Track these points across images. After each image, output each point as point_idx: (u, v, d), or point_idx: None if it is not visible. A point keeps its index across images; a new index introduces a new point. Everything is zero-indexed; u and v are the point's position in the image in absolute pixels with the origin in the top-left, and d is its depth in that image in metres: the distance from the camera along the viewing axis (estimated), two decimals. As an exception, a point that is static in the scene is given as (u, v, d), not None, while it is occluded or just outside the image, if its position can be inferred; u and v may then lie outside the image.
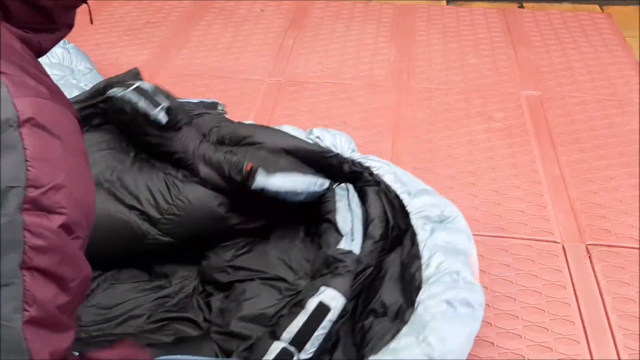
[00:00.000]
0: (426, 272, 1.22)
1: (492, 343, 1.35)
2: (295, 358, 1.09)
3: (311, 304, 1.15)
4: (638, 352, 1.33)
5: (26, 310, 0.55)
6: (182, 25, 2.65)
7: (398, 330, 1.13)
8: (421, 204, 1.39)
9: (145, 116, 1.38)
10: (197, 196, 1.39)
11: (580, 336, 1.37)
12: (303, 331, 1.12)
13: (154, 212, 1.36)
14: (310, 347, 1.11)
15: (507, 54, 2.42)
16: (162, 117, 1.38)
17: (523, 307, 1.44)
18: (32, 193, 0.57)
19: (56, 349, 0.57)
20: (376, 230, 1.36)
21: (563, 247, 1.59)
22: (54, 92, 0.65)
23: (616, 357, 1.33)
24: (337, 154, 1.47)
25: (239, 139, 1.48)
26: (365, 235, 1.35)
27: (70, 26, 0.78)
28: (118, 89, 1.42)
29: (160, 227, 1.36)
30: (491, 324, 1.39)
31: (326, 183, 1.41)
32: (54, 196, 0.59)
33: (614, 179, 1.80)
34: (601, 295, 1.46)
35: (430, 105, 2.14)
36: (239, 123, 1.59)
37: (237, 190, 1.37)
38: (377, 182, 1.43)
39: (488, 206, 1.71)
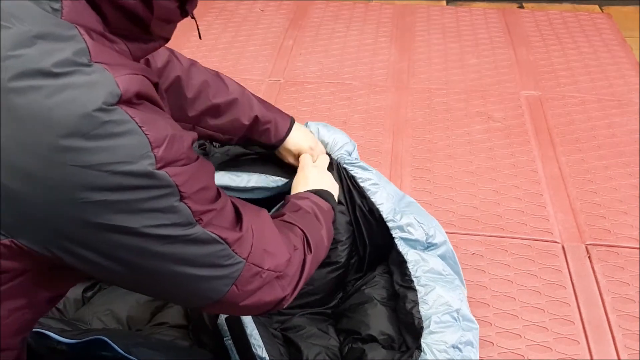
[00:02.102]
0: (424, 309, 1.18)
1: (491, 343, 1.36)
2: None
3: (224, 328, 1.12)
4: (638, 351, 1.34)
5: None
6: (182, 25, 2.63)
7: None
8: (408, 227, 1.29)
9: None
10: None
11: (579, 336, 1.37)
12: (241, 350, 1.10)
13: None
14: (260, 350, 1.08)
15: (506, 54, 2.43)
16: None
17: (523, 306, 1.44)
18: (161, 153, 0.65)
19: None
20: (340, 257, 1.30)
21: (563, 247, 1.59)
22: (140, 67, 0.69)
23: (616, 357, 1.33)
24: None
25: None
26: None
27: (166, 39, 0.79)
28: None
29: None
30: (491, 324, 1.39)
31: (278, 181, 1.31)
32: (175, 146, 0.67)
33: (613, 178, 1.80)
34: (601, 295, 1.46)
35: (430, 105, 2.14)
36: None
37: None
38: (356, 198, 1.31)
39: (488, 206, 1.72)
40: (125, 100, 0.64)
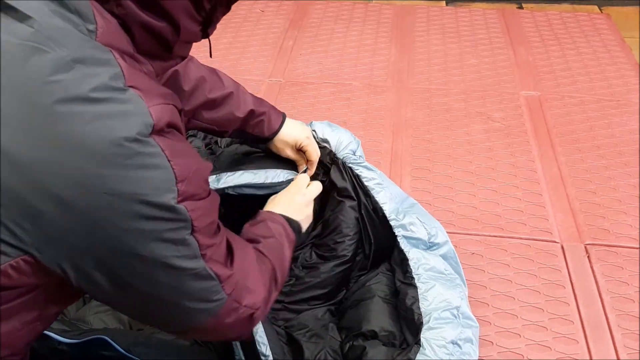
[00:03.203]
0: (424, 305, 1.20)
1: (491, 342, 1.36)
2: None
3: None
4: (637, 351, 1.34)
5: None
6: (182, 26, 2.65)
7: None
8: (410, 226, 1.32)
9: None
10: None
11: (579, 335, 1.38)
12: (245, 345, 1.11)
13: None
14: (264, 348, 1.09)
15: (506, 55, 2.43)
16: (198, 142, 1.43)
17: (522, 306, 1.44)
18: (183, 187, 0.68)
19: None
20: (346, 251, 1.33)
21: (562, 247, 1.60)
22: (168, 93, 0.72)
23: (615, 357, 1.34)
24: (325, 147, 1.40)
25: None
26: (330, 249, 1.33)
27: (184, 58, 0.83)
28: None
29: None
30: (490, 323, 1.40)
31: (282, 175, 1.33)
32: (195, 181, 0.70)
33: (612, 178, 1.80)
34: (600, 294, 1.47)
35: (430, 105, 2.14)
36: None
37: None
38: (361, 196, 1.34)
39: (487, 206, 1.72)
40: (157, 131, 0.66)
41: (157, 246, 0.69)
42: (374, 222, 1.34)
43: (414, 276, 1.25)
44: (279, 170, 1.32)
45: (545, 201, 1.73)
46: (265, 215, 1.08)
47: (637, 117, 2.06)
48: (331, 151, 1.39)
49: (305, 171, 1.34)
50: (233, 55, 2.44)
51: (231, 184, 1.28)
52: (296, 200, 1.16)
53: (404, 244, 1.30)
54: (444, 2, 2.89)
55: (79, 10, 0.67)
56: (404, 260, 1.29)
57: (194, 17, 0.77)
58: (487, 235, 1.63)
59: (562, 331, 1.38)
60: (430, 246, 1.33)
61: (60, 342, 1.03)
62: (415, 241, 1.32)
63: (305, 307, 1.32)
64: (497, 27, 2.63)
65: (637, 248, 1.58)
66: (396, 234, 1.32)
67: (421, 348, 1.13)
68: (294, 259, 1.34)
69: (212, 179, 1.27)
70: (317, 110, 2.12)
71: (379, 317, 1.25)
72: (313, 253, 1.37)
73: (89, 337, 1.02)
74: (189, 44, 0.83)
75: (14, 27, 0.63)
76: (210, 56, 1.00)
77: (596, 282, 1.50)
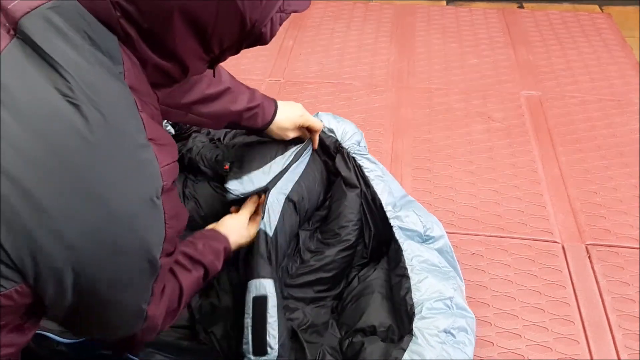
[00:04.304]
0: (417, 296, 1.21)
1: (491, 343, 1.36)
2: None
3: (249, 305, 1.14)
4: (638, 352, 1.34)
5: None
6: (182, 25, 2.65)
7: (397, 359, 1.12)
8: (406, 218, 1.35)
9: None
10: (204, 193, 1.44)
11: (579, 336, 1.37)
12: (256, 332, 1.12)
13: None
14: (273, 341, 1.11)
15: (506, 54, 2.43)
16: (170, 129, 1.44)
17: (523, 306, 1.44)
18: (166, 246, 0.75)
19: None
20: (351, 235, 1.36)
21: (563, 247, 1.59)
22: (172, 144, 0.77)
23: (616, 357, 1.33)
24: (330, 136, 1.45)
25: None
26: (335, 235, 1.36)
27: (180, 81, 0.85)
28: None
29: None
30: (491, 324, 1.39)
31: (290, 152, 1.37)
32: (173, 240, 0.78)
33: (613, 178, 1.80)
34: (601, 295, 1.46)
35: (430, 105, 2.14)
36: None
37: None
38: (362, 186, 1.39)
39: (488, 206, 1.72)
40: (165, 191, 0.72)
41: (125, 290, 0.75)
42: (373, 211, 1.37)
43: (407, 267, 1.26)
44: (278, 158, 1.34)
45: (546, 201, 1.73)
46: (211, 233, 1.19)
47: (638, 117, 2.05)
48: (337, 140, 1.43)
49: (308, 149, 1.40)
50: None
51: (248, 190, 1.30)
52: (243, 225, 1.25)
53: (399, 235, 1.32)
54: (445, 1, 2.89)
55: (110, 50, 0.69)
56: (398, 251, 1.30)
57: (202, 59, 0.80)
58: (487, 236, 1.63)
59: (563, 332, 1.38)
60: (425, 239, 1.35)
61: (59, 343, 1.02)
62: (411, 233, 1.33)
63: (310, 295, 1.32)
64: (497, 26, 2.63)
65: (637, 248, 1.58)
66: (392, 224, 1.33)
67: (414, 337, 1.13)
68: (300, 241, 1.37)
69: (235, 185, 1.30)
70: (317, 109, 2.09)
71: (378, 313, 1.26)
72: (317, 238, 1.39)
73: (86, 337, 1.02)
74: (204, 65, 0.85)
75: (50, 77, 0.66)
76: (214, 76, 1.06)
77: (597, 283, 1.49)
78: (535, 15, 2.72)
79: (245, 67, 2.35)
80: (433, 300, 1.19)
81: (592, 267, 1.54)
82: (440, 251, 1.34)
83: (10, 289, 0.67)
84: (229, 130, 1.56)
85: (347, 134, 1.44)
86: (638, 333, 1.37)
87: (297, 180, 1.33)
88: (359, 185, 1.38)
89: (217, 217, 1.30)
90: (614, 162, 1.86)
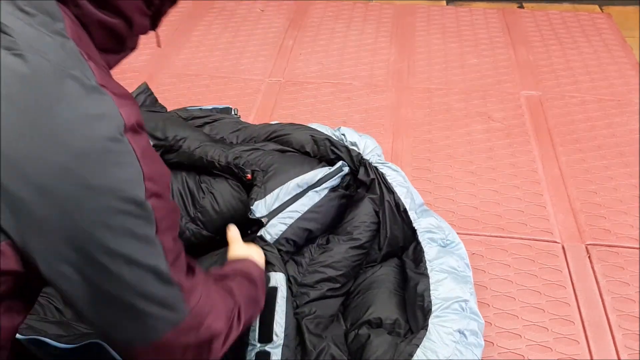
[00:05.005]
0: (436, 295, 1.24)
1: (492, 343, 1.36)
2: (272, 356, 1.11)
3: None
4: (638, 352, 1.34)
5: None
6: (182, 25, 2.65)
7: (410, 354, 1.14)
8: (427, 224, 1.41)
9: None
10: (222, 189, 1.46)
11: (580, 336, 1.37)
12: (264, 320, 1.13)
13: (190, 210, 1.43)
14: (279, 330, 1.12)
15: (506, 54, 2.43)
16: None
17: (523, 306, 1.44)
18: (149, 185, 0.71)
19: None
20: (362, 235, 1.38)
21: (563, 247, 1.59)
22: (127, 93, 0.76)
23: (616, 357, 1.33)
24: (345, 146, 1.50)
25: (266, 135, 1.55)
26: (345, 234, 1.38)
27: (133, 49, 0.87)
28: None
29: (196, 222, 1.43)
30: (491, 324, 1.39)
31: (322, 173, 1.41)
32: (159, 182, 0.74)
33: (613, 178, 1.80)
34: (601, 295, 1.46)
35: (430, 105, 2.14)
36: (264, 124, 1.64)
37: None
38: (384, 192, 1.43)
39: (488, 206, 1.72)
40: (128, 129, 0.71)
41: (125, 241, 0.71)
42: (395, 216, 1.41)
43: (428, 266, 1.30)
44: (308, 176, 1.39)
45: (546, 201, 1.73)
46: (230, 262, 1.09)
47: (637, 117, 2.05)
48: (359, 153, 1.49)
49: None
50: (233, 55, 2.43)
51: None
52: (249, 247, 1.18)
53: (422, 237, 1.37)
54: (445, 1, 2.89)
55: (48, 10, 0.71)
56: (420, 252, 1.35)
57: (144, 13, 0.82)
58: (487, 236, 1.63)
59: (563, 332, 1.38)
60: (447, 244, 1.40)
61: (56, 348, 1.03)
62: (433, 235, 1.39)
63: (318, 294, 1.32)
64: (497, 26, 2.63)
65: (637, 248, 1.58)
66: (415, 227, 1.39)
67: (427, 333, 1.16)
68: (312, 240, 1.38)
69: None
70: (317, 110, 2.11)
71: (385, 305, 1.28)
72: (329, 236, 1.41)
73: (84, 342, 1.01)
74: (138, 36, 0.87)
75: None
76: (159, 46, 1.02)
77: (597, 283, 1.49)
78: (535, 15, 2.72)
79: (245, 67, 2.35)
80: (450, 302, 1.22)
81: (592, 267, 1.54)
82: (459, 257, 1.38)
83: None
84: (234, 130, 1.58)
85: (369, 147, 1.51)
86: (638, 333, 1.37)
87: (313, 208, 1.37)
88: (378, 192, 1.43)
89: (233, 213, 1.33)
90: (614, 162, 1.86)
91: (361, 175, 1.47)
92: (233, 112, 1.76)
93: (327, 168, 1.42)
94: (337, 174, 1.42)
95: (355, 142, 1.52)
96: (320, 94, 2.20)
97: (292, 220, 1.32)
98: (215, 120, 1.64)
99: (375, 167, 1.46)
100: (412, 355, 1.13)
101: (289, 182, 1.36)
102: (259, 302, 1.03)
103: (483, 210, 1.70)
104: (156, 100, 1.80)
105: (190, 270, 0.82)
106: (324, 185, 1.38)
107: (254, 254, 1.14)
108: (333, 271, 1.33)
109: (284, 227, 1.31)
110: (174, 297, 0.76)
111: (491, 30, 2.60)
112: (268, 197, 1.33)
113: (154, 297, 0.74)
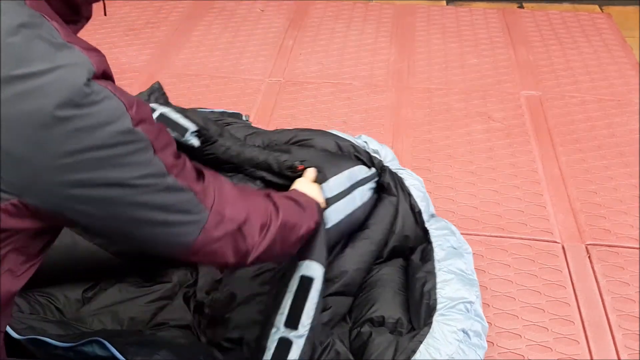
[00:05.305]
0: (442, 294, 1.25)
1: (492, 343, 1.35)
2: (293, 345, 1.10)
3: (294, 282, 1.15)
4: (638, 351, 1.34)
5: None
6: (182, 25, 2.65)
7: (413, 351, 1.14)
8: (440, 226, 1.44)
9: (178, 142, 1.45)
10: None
11: (580, 336, 1.37)
12: (294, 306, 1.13)
13: None
14: (307, 320, 1.12)
15: (506, 54, 2.43)
16: (195, 141, 1.44)
17: (523, 306, 1.44)
18: (133, 113, 0.76)
19: None
20: (376, 234, 1.39)
21: (563, 247, 1.59)
22: (94, 47, 0.80)
23: (616, 357, 1.33)
24: (369, 155, 1.54)
25: (287, 140, 1.56)
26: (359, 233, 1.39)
27: (88, 18, 0.90)
28: None
29: None
30: (491, 324, 1.39)
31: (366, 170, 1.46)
32: (140, 109, 0.78)
33: (613, 178, 1.80)
34: (601, 295, 1.46)
35: (430, 105, 2.14)
36: (278, 130, 1.64)
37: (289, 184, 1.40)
38: (400, 195, 1.47)
39: (488, 206, 1.72)
40: (97, 76, 0.75)
41: (126, 169, 0.76)
42: (409, 217, 1.44)
43: (436, 265, 1.32)
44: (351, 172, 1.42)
45: (546, 201, 1.73)
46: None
47: (637, 117, 2.05)
48: (380, 160, 1.53)
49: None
50: (232, 55, 2.43)
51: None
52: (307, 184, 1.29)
53: (434, 238, 1.39)
54: (445, 1, 2.89)
55: None
56: (429, 252, 1.36)
57: None
58: (487, 236, 1.63)
59: (563, 332, 1.38)
60: (457, 247, 1.41)
61: (56, 347, 1.03)
62: (444, 238, 1.40)
63: (334, 289, 1.32)
64: (497, 26, 2.63)
65: (637, 248, 1.58)
66: (427, 228, 1.42)
67: (431, 330, 1.17)
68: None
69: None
70: (317, 110, 2.11)
71: (388, 304, 1.28)
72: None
73: (83, 340, 1.01)
74: (90, 4, 0.90)
75: None
76: (105, 14, 1.04)
77: (597, 283, 1.49)
78: (535, 15, 2.72)
79: (244, 67, 2.35)
80: (456, 302, 1.23)
81: (592, 267, 1.54)
82: (469, 262, 1.39)
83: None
84: (248, 134, 1.58)
85: (388, 156, 1.56)
86: (638, 333, 1.37)
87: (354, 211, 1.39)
88: (396, 194, 1.46)
89: None
90: (614, 162, 1.86)
91: (383, 179, 1.50)
92: (244, 118, 1.76)
93: (366, 168, 1.46)
94: (373, 179, 1.47)
95: (377, 150, 1.55)
96: (320, 94, 2.20)
97: (345, 215, 1.34)
98: (228, 124, 1.64)
99: (395, 172, 1.51)
100: (414, 352, 1.14)
101: (341, 173, 1.38)
102: (304, 210, 1.11)
103: (483, 210, 1.70)
104: (167, 99, 1.79)
105: (201, 175, 0.89)
106: (368, 185, 1.43)
107: (312, 190, 1.23)
108: (351, 266, 1.34)
109: (341, 216, 1.32)
110: (189, 202, 0.85)
111: (491, 30, 2.60)
112: (329, 182, 1.35)
113: (171, 207, 0.83)
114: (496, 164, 1.87)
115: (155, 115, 1.45)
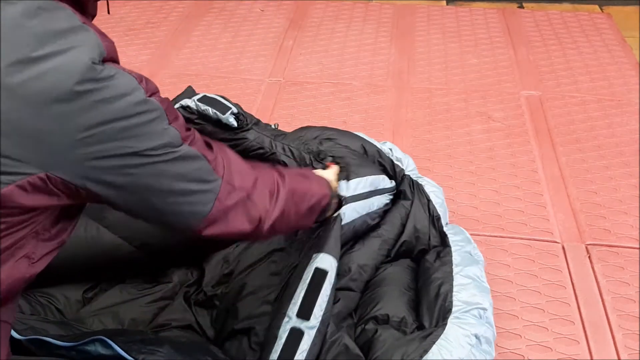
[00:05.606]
0: (458, 297, 1.25)
1: (492, 343, 1.36)
2: (305, 336, 1.11)
3: (308, 274, 1.17)
4: (638, 351, 1.34)
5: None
6: (182, 25, 2.65)
7: (425, 351, 1.14)
8: (456, 233, 1.44)
9: (217, 121, 1.49)
10: None
11: (580, 336, 1.37)
12: (307, 297, 1.14)
13: None
14: (318, 312, 1.13)
15: (506, 54, 2.43)
16: (233, 121, 1.49)
17: (523, 306, 1.44)
18: (144, 85, 0.80)
19: None
20: (387, 233, 1.41)
21: (563, 247, 1.59)
22: (105, 35, 0.83)
23: (616, 357, 1.33)
24: (393, 162, 1.56)
25: (314, 136, 1.57)
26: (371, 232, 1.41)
27: (94, 16, 0.92)
28: (186, 99, 1.52)
29: None
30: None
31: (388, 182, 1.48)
32: (148, 83, 0.83)
33: (613, 178, 1.80)
34: (601, 295, 1.46)
35: (430, 105, 2.14)
36: (299, 129, 1.65)
37: None
38: (416, 199, 1.49)
39: (488, 206, 1.72)
40: (107, 60, 0.79)
41: (146, 139, 0.80)
42: (422, 219, 1.45)
43: (454, 269, 1.32)
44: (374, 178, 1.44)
45: (546, 201, 1.73)
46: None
47: (637, 117, 2.05)
48: (402, 169, 1.55)
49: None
50: (233, 55, 2.43)
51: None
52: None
53: (452, 242, 1.40)
54: (445, 1, 2.89)
55: None
56: (447, 255, 1.36)
57: None
58: (487, 236, 1.63)
59: (563, 332, 1.38)
60: (472, 255, 1.41)
61: (58, 347, 1.03)
62: (463, 244, 1.41)
63: (343, 283, 1.33)
64: (497, 26, 2.63)
65: (637, 248, 1.58)
66: (447, 232, 1.43)
67: (445, 332, 1.17)
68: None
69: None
70: (317, 110, 2.12)
71: (394, 303, 1.29)
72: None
73: (86, 340, 1.01)
74: (95, 2, 0.92)
75: None
76: (109, 12, 1.08)
77: (597, 283, 1.49)
78: (535, 15, 2.72)
79: (244, 67, 2.35)
80: (471, 307, 1.23)
81: (592, 267, 1.54)
82: (481, 269, 1.39)
83: (21, 179, 0.74)
84: (277, 134, 1.59)
85: (410, 165, 1.58)
86: (638, 333, 1.37)
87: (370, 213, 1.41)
88: (411, 198, 1.48)
89: None
90: (614, 162, 1.86)
91: (403, 186, 1.52)
92: (273, 126, 1.77)
93: (388, 180, 1.48)
94: (392, 191, 1.48)
95: (399, 158, 1.57)
96: (320, 94, 2.20)
97: (360, 214, 1.36)
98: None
99: (415, 180, 1.52)
100: (427, 352, 1.14)
101: (365, 177, 1.40)
102: (310, 180, 1.16)
103: (483, 210, 1.70)
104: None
105: (208, 145, 0.93)
106: (386, 196, 1.45)
107: (326, 174, 1.27)
108: (359, 262, 1.35)
109: (355, 215, 1.34)
110: (204, 170, 0.89)
111: (491, 30, 2.60)
112: (351, 182, 1.37)
113: (188, 175, 0.86)
114: (496, 164, 1.87)
115: (197, 97, 1.51)
